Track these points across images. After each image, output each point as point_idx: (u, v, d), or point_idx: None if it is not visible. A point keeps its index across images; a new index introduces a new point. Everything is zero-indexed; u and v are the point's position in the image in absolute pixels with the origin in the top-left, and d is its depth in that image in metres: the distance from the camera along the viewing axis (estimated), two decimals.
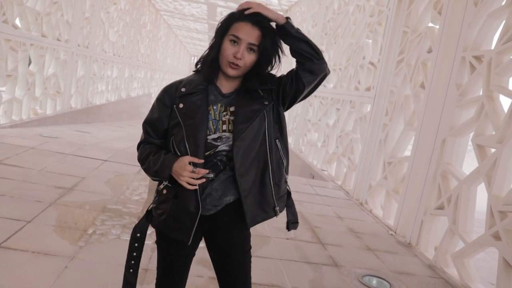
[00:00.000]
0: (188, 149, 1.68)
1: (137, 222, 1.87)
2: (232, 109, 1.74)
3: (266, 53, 1.72)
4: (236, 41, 1.68)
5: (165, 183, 1.74)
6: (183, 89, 1.74)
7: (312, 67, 1.72)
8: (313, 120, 9.90)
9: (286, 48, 1.79)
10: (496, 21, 4.10)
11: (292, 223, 1.91)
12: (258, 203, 1.76)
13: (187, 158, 1.66)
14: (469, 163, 6.24)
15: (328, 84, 9.25)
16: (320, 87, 8.47)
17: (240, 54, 1.67)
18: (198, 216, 1.72)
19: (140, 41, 17.87)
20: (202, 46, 34.79)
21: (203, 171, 1.66)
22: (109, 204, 4.40)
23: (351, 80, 7.76)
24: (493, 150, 3.78)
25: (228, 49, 1.69)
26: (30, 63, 8.69)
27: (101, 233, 3.63)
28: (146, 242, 3.63)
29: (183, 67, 37.63)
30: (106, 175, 5.54)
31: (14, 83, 7.96)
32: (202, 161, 1.68)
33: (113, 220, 3.99)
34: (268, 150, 1.76)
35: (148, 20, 18.75)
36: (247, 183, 1.72)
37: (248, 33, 1.68)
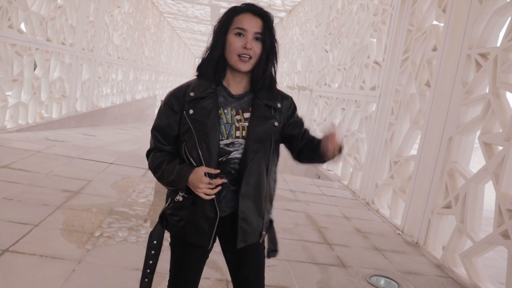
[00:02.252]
0: (201, 156, 1.65)
1: (153, 228, 1.83)
2: (246, 115, 1.72)
3: (270, 41, 1.70)
4: (241, 33, 1.65)
5: (182, 193, 1.71)
6: (191, 94, 1.69)
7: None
8: (318, 120, 9.88)
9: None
10: (501, 18, 4.08)
11: (271, 251, 1.88)
12: (250, 225, 1.75)
13: (203, 169, 1.63)
14: (476, 161, 6.20)
15: (333, 84, 9.23)
16: (325, 87, 8.41)
17: (249, 44, 1.65)
18: (217, 221, 1.70)
19: (144, 44, 17.93)
20: None
21: (219, 181, 1.64)
22: (116, 207, 4.41)
23: (356, 79, 7.74)
24: (500, 148, 3.75)
25: (235, 42, 1.65)
26: (35, 67, 8.74)
27: (108, 236, 3.64)
28: None
29: (187, 69, 37.70)
30: (112, 178, 5.55)
31: (20, 87, 8.01)
32: (218, 171, 1.65)
33: (119, 222, 3.99)
34: (266, 175, 1.75)
35: (152, 23, 18.81)
36: (245, 204, 1.71)
37: (252, 23, 1.66)
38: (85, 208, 4.23)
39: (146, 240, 3.75)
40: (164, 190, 5.60)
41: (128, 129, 13.90)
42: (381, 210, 5.87)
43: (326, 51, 10.11)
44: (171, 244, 1.84)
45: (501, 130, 3.76)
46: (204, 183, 1.62)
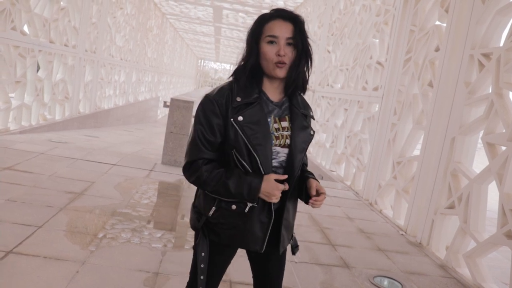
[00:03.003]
0: (259, 162, 1.64)
1: (196, 241, 1.79)
2: (283, 123, 1.73)
3: (303, 43, 1.70)
4: (273, 41, 1.66)
5: (252, 203, 1.67)
6: (238, 99, 1.66)
7: None
8: (321, 121, 9.88)
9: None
10: (504, 18, 4.07)
11: (295, 247, 1.93)
12: (287, 231, 1.81)
13: (273, 176, 1.64)
14: (480, 162, 6.19)
15: (336, 84, 9.23)
16: (328, 88, 8.41)
17: (283, 51, 1.64)
18: (271, 225, 1.71)
19: (147, 45, 17.96)
20: (208, 48, 34.90)
21: (287, 186, 1.68)
22: (119, 208, 4.42)
23: (359, 80, 7.73)
24: (503, 148, 3.74)
25: (269, 51, 1.66)
26: (38, 69, 8.76)
27: (111, 237, 3.64)
28: (156, 245, 3.63)
29: (190, 70, 37.75)
30: (116, 179, 5.56)
31: (23, 89, 8.03)
32: (286, 176, 1.68)
33: (123, 224, 4.00)
34: (297, 180, 1.79)
35: (154, 24, 18.85)
36: (289, 213, 1.78)
37: (283, 29, 1.66)
38: (88, 210, 4.24)
39: (149, 241, 3.77)
40: (167, 192, 5.62)
41: (131, 131, 13.92)
42: (384, 211, 5.87)
43: (329, 52, 10.11)
44: (195, 246, 1.80)
45: (504, 130, 3.76)
46: (280, 189, 1.64)
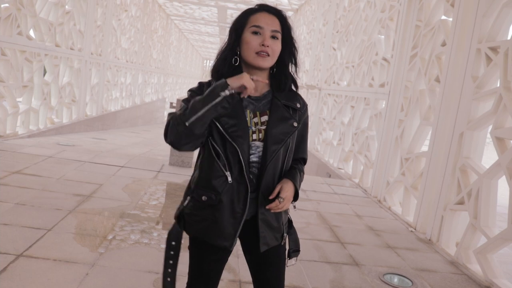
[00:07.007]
0: (239, 152, 1.61)
1: (170, 228, 1.79)
2: (263, 118, 1.68)
3: (288, 41, 1.69)
4: (258, 31, 1.62)
5: (227, 92, 1.54)
6: None
7: None
8: (328, 118, 9.85)
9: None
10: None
11: (293, 251, 1.86)
12: (271, 228, 1.74)
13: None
14: (488, 156, 6.14)
15: (342, 82, 9.20)
16: (334, 85, 8.39)
17: (267, 42, 1.61)
18: (242, 222, 1.69)
19: (152, 47, 18.01)
20: (214, 49, 34.94)
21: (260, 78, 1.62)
22: (127, 210, 4.43)
23: (365, 77, 7.70)
24: None
25: (253, 40, 1.62)
26: (45, 73, 8.81)
27: (120, 239, 3.65)
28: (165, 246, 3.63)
29: (195, 71, 37.79)
30: (124, 181, 5.57)
31: (30, 93, 8.08)
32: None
33: (131, 225, 4.01)
34: (283, 174, 1.74)
35: (159, 26, 18.89)
36: (264, 206, 1.69)
37: (268, 21, 1.64)
38: (97, 212, 4.25)
39: (158, 242, 3.78)
40: (176, 192, 5.63)
41: (138, 132, 13.97)
42: (393, 208, 5.84)
43: (334, 49, 10.08)
44: (190, 247, 1.80)
45: None
46: (248, 76, 1.57)
